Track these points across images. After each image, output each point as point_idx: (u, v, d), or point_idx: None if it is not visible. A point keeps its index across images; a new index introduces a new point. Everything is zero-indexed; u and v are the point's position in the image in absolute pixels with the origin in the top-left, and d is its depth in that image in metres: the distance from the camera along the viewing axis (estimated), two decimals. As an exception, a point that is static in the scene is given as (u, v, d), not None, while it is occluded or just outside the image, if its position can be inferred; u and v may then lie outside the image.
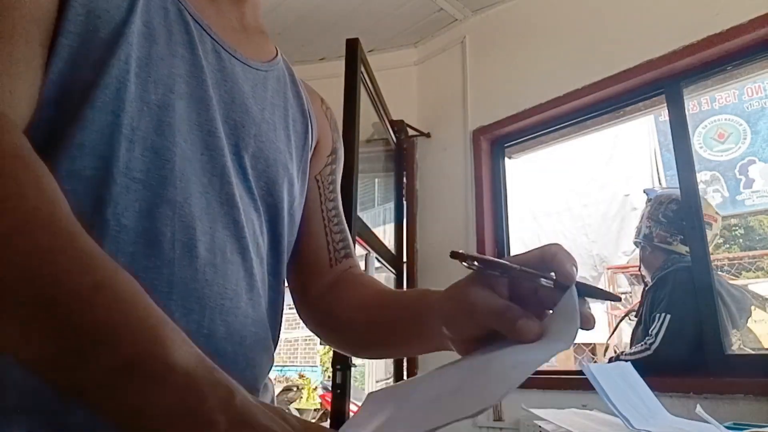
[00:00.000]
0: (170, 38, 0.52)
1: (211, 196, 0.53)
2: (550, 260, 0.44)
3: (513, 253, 2.53)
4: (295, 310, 0.74)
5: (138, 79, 0.48)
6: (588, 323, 0.42)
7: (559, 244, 0.45)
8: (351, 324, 0.68)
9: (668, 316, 1.86)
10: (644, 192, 2.36)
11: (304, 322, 0.73)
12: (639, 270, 2.33)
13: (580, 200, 6.34)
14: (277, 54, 0.68)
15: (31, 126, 0.43)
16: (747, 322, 2.11)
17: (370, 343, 0.68)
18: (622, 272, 5.59)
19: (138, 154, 0.47)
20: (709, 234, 1.94)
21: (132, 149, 0.46)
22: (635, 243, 2.30)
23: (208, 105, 0.54)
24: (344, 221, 0.76)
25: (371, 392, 0.47)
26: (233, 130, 0.56)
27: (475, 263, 0.44)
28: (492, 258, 0.45)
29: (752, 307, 2.53)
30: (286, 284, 0.69)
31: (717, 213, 2.17)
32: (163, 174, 0.48)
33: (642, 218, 2.23)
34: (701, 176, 5.16)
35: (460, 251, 0.42)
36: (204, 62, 0.54)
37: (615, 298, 0.42)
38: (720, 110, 5.41)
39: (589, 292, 0.44)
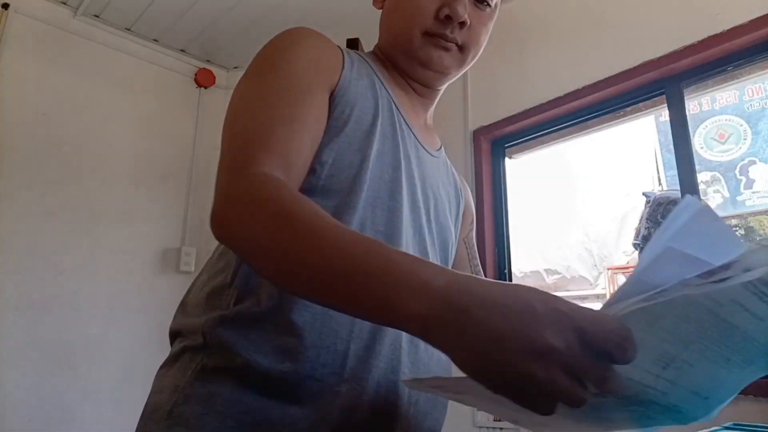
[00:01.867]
0: (394, 136, 0.75)
1: (415, 248, 0.74)
2: None
3: (512, 253, 2.52)
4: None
5: (378, 163, 0.71)
6: None
7: None
8: None
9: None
10: (643, 194, 2.35)
11: None
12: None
13: (580, 200, 6.34)
14: (441, 145, 0.94)
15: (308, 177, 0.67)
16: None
17: None
18: (622, 272, 5.59)
19: (380, 212, 0.70)
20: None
21: (375, 210, 0.69)
22: (634, 245, 2.29)
23: (414, 182, 0.76)
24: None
25: None
26: (426, 200, 0.78)
27: None
28: None
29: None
30: None
31: None
32: (396, 225, 0.70)
33: (641, 220, 2.22)
34: (702, 176, 5.15)
35: None
36: (410, 153, 0.77)
37: None
38: (720, 111, 5.40)
39: None
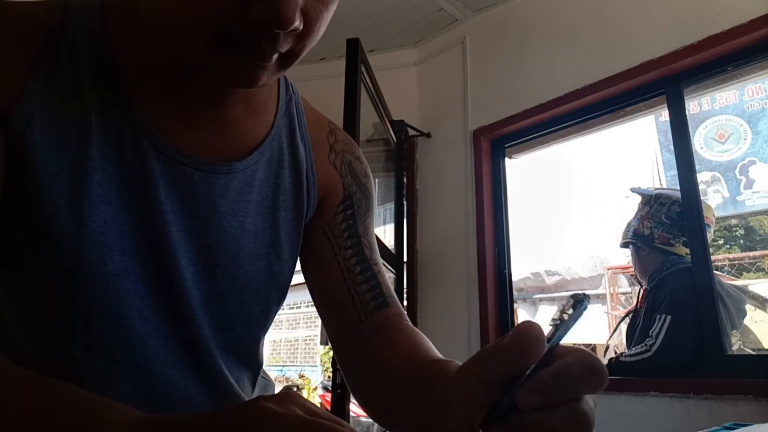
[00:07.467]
0: (128, 199, 0.52)
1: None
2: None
3: (512, 251, 2.53)
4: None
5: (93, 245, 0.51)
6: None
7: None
8: (377, 390, 0.61)
9: (668, 318, 1.86)
10: (632, 191, 2.34)
11: (353, 395, 0.66)
12: (633, 270, 2.32)
13: (580, 200, 6.35)
14: (273, 124, 0.61)
15: None
16: (743, 321, 2.11)
17: (390, 412, 0.59)
18: (622, 272, 5.59)
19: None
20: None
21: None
22: (626, 243, 2.26)
23: (172, 263, 0.54)
24: (375, 268, 0.67)
25: None
26: (205, 266, 0.56)
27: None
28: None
29: (753, 308, 2.52)
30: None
31: (714, 215, 2.16)
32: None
33: (637, 218, 2.21)
34: (702, 176, 5.16)
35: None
36: (169, 214, 0.53)
37: None
38: (720, 111, 5.41)
39: None
